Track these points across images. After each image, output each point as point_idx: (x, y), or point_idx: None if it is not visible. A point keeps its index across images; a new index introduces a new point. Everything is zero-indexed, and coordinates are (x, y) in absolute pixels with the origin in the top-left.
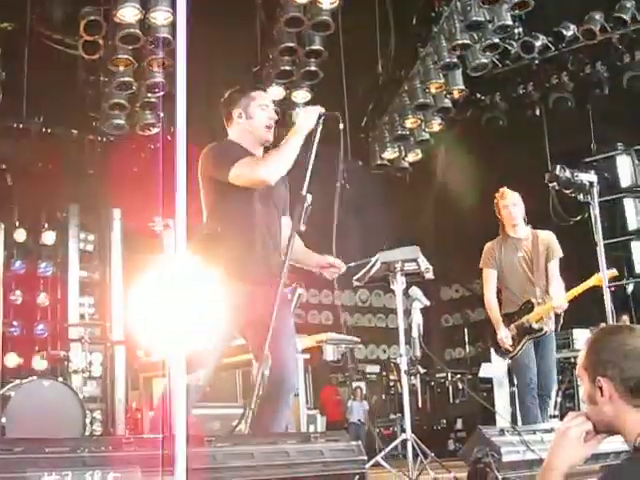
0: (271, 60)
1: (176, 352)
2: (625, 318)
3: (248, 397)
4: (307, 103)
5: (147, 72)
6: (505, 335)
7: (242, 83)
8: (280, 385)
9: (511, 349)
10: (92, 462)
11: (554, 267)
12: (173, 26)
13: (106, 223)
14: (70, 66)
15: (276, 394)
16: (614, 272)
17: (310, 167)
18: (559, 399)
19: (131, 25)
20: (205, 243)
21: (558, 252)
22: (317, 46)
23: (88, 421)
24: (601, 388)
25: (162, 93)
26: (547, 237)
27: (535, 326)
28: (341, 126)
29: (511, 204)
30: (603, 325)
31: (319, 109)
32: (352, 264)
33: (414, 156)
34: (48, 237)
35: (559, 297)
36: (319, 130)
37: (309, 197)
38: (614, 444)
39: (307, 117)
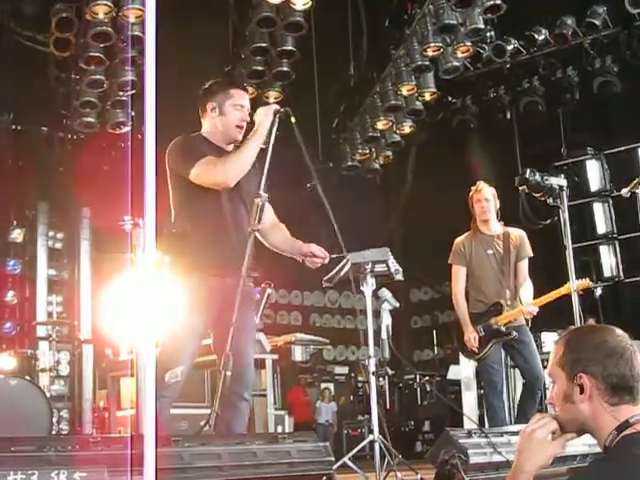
0: (243, 60)
1: (145, 351)
2: (591, 321)
3: (213, 398)
4: (279, 103)
5: (118, 70)
6: (473, 336)
7: (227, 78)
8: (237, 380)
9: (477, 351)
10: (58, 461)
11: (524, 267)
12: (145, 24)
13: (75, 221)
14: (41, 63)
15: (234, 390)
16: (587, 282)
17: (267, 165)
18: None
19: (103, 23)
20: (174, 242)
21: (528, 251)
22: (289, 47)
23: (55, 420)
24: (581, 386)
25: (133, 91)
26: (518, 235)
27: (503, 329)
28: (293, 120)
29: (484, 199)
30: (573, 327)
31: (274, 107)
32: (335, 255)
33: (385, 158)
34: (16, 235)
35: (529, 302)
36: (275, 128)
37: (265, 196)
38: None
39: (263, 117)
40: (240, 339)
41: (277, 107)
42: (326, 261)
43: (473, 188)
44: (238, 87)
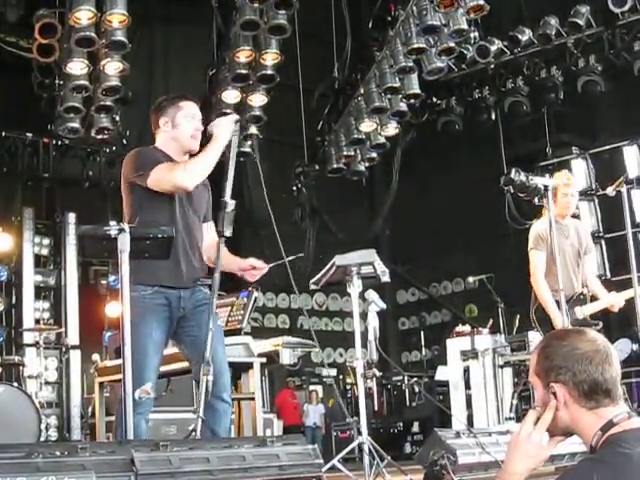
0: (227, 63)
1: (127, 359)
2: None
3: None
4: (263, 107)
5: (102, 75)
6: (566, 325)
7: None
8: (214, 384)
9: None
10: (47, 468)
11: (592, 261)
12: (128, 29)
13: (61, 227)
14: (25, 69)
15: (212, 393)
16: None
17: (231, 173)
18: (515, 401)
19: (86, 28)
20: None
21: (592, 246)
22: (273, 49)
23: (43, 426)
24: (555, 394)
25: (117, 97)
26: (584, 229)
27: (589, 320)
28: (254, 130)
29: (571, 193)
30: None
31: (235, 117)
32: (272, 264)
33: (370, 160)
34: (3, 241)
35: (616, 296)
36: (236, 138)
37: (231, 203)
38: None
39: (224, 125)
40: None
41: (237, 116)
42: (264, 272)
43: (562, 177)
44: (188, 99)
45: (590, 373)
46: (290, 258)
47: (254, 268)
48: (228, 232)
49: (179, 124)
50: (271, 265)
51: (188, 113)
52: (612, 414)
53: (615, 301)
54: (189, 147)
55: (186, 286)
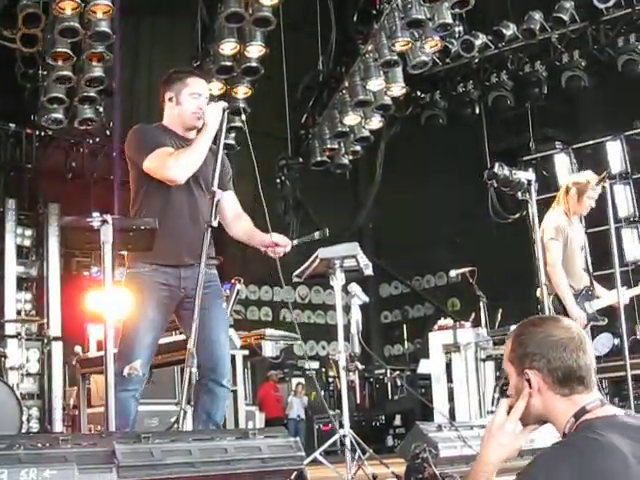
0: (212, 55)
1: (110, 348)
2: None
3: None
4: (248, 99)
5: (86, 66)
6: (583, 316)
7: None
8: (214, 370)
9: None
10: (28, 459)
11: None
12: (112, 20)
13: (44, 218)
14: (8, 59)
15: (211, 378)
16: None
17: (219, 162)
18: (496, 395)
19: (70, 18)
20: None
21: None
22: (258, 42)
23: (25, 418)
24: (529, 380)
25: (101, 87)
26: (581, 225)
27: (597, 315)
28: (243, 117)
29: (595, 199)
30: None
31: (223, 104)
32: (295, 242)
33: (354, 153)
34: None
35: (625, 293)
36: (225, 125)
37: (219, 192)
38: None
39: (213, 113)
40: (212, 328)
41: (225, 104)
42: (288, 249)
43: (591, 180)
44: (196, 75)
45: (564, 360)
46: (316, 234)
47: (277, 245)
48: (216, 222)
49: (183, 101)
50: (295, 243)
51: (194, 91)
52: (585, 401)
53: (625, 298)
54: (192, 124)
55: (187, 264)
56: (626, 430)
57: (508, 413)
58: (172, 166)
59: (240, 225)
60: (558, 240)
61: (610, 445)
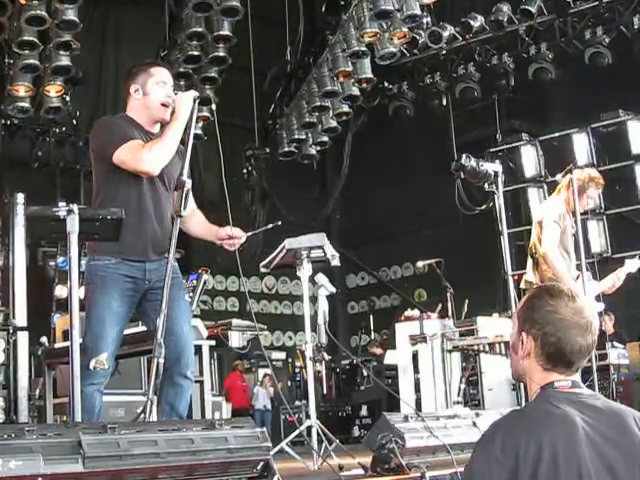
0: (179, 45)
1: (76, 338)
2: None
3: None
4: (215, 89)
5: (53, 55)
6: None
7: (148, 60)
8: (178, 361)
9: None
10: None
11: None
12: (80, 8)
13: (9, 208)
14: None
15: (176, 369)
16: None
17: (189, 151)
18: (463, 386)
19: (37, 6)
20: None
21: None
22: (226, 31)
23: None
24: (523, 342)
25: (68, 76)
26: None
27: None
28: (213, 107)
29: (597, 195)
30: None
31: (194, 93)
32: (250, 233)
33: (321, 143)
34: None
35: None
36: (195, 115)
37: (189, 182)
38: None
39: (184, 102)
40: (175, 320)
41: (196, 93)
42: (242, 240)
43: (595, 177)
44: (159, 65)
45: (560, 341)
46: (270, 226)
47: (231, 237)
48: (185, 212)
49: (149, 91)
50: (249, 234)
51: (159, 80)
52: (558, 379)
53: (611, 287)
54: (160, 116)
55: (152, 259)
56: (582, 407)
57: None
58: (145, 157)
59: (195, 221)
60: (559, 224)
61: (561, 416)
